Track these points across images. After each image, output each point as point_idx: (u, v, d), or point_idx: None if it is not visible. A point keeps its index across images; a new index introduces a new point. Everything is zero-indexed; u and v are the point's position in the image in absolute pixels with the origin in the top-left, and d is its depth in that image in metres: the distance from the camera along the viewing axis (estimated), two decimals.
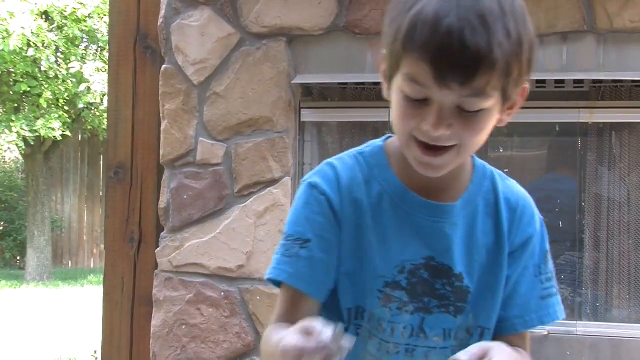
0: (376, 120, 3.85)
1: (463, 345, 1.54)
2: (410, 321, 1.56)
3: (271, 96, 3.74)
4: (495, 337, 1.62)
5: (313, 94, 3.89)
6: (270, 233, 3.71)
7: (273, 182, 3.73)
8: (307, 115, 3.84)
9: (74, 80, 12.63)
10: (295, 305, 1.57)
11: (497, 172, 1.67)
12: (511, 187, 1.66)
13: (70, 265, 15.34)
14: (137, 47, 4.07)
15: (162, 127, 3.85)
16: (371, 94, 3.86)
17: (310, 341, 1.29)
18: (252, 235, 3.73)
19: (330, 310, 1.59)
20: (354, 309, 1.57)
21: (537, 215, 1.67)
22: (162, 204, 3.84)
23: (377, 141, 1.66)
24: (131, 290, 4.09)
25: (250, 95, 3.75)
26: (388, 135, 1.66)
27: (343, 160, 1.63)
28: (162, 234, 3.84)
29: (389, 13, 1.49)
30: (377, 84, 3.82)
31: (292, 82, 3.73)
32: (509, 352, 1.46)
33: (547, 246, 1.67)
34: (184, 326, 3.76)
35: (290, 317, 1.54)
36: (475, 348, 1.40)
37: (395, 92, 1.50)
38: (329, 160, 1.64)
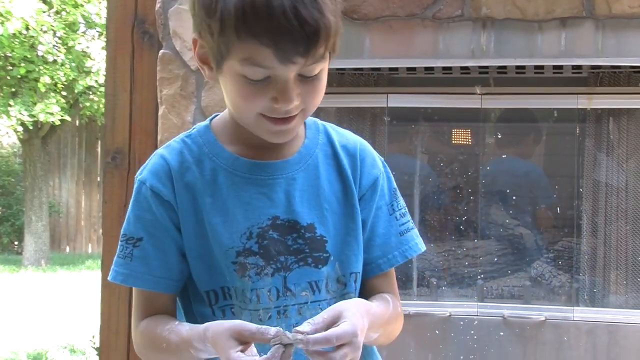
0: (374, 105, 3.85)
1: (339, 297, 1.59)
2: (273, 283, 1.57)
3: None
4: (364, 283, 1.66)
5: None
6: None
7: None
8: None
9: (73, 64, 12.60)
10: (150, 302, 1.62)
11: (329, 125, 1.71)
12: (346, 136, 1.70)
13: (68, 250, 15.35)
14: (135, 32, 4.06)
15: (159, 113, 3.84)
16: (369, 80, 3.85)
17: (264, 358, 1.36)
18: None
19: (193, 297, 1.62)
20: (219, 290, 1.58)
21: (378, 158, 1.71)
22: None
23: (203, 122, 1.69)
24: None
25: None
26: (214, 115, 1.69)
27: (171, 147, 1.65)
28: None
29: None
30: (376, 69, 3.84)
31: None
32: (364, 309, 1.49)
33: (394, 184, 1.71)
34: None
35: (150, 313, 1.61)
36: (324, 314, 1.42)
37: (231, 76, 1.50)
38: (157, 150, 1.66)
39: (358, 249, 1.63)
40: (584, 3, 3.49)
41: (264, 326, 1.40)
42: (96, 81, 12.69)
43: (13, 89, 12.68)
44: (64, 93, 13.00)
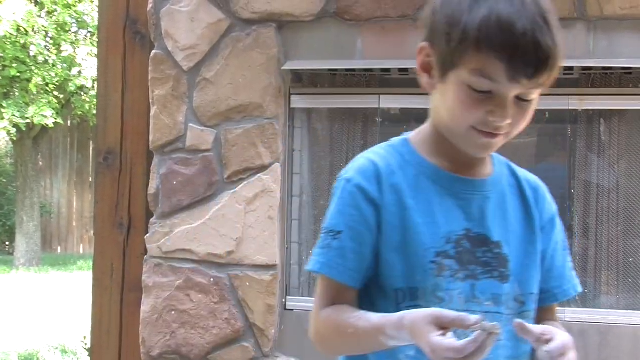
0: (366, 107, 3.84)
1: (517, 314, 1.70)
2: (463, 288, 1.66)
3: (261, 82, 3.73)
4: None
5: (303, 81, 3.88)
6: (260, 219, 3.71)
7: (263, 168, 3.73)
8: (297, 102, 3.84)
9: (64, 65, 12.57)
10: (337, 293, 1.69)
11: (510, 162, 1.84)
12: (526, 172, 1.84)
13: (59, 250, 15.32)
14: (127, 32, 4.06)
15: (151, 113, 3.84)
16: (361, 81, 3.85)
17: (468, 343, 1.43)
18: (242, 222, 3.72)
19: (377, 296, 1.69)
20: (407, 290, 1.66)
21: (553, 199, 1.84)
22: (151, 190, 3.83)
23: (400, 137, 1.79)
24: (121, 276, 4.09)
25: (240, 81, 3.74)
26: (408, 132, 1.80)
27: (376, 151, 1.75)
28: (151, 220, 3.83)
29: (442, 9, 1.62)
30: (368, 70, 3.83)
31: (282, 68, 3.72)
32: (567, 335, 1.57)
33: None
34: (173, 312, 3.76)
35: (335, 303, 1.68)
36: (538, 326, 1.54)
37: (455, 85, 1.61)
38: (363, 154, 1.75)
39: (536, 272, 1.74)
40: (575, 4, 3.49)
41: (463, 313, 1.48)
42: (87, 80, 12.66)
43: (5, 90, 12.65)
44: (55, 93, 12.97)
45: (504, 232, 1.72)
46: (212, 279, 3.74)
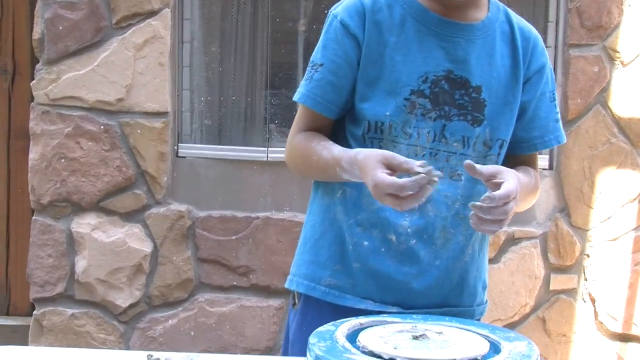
0: None
1: (482, 157, 1.78)
2: (433, 127, 1.76)
3: None
4: (514, 158, 1.87)
5: None
6: (150, 66, 3.65)
7: (152, 14, 3.65)
8: None
9: None
10: (312, 121, 1.82)
11: (509, 9, 1.89)
12: (522, 21, 1.88)
13: None
14: None
15: None
16: None
17: (410, 181, 1.52)
18: (132, 68, 3.66)
19: (349, 122, 1.82)
20: (374, 123, 1.76)
21: (546, 50, 1.89)
22: (36, 35, 3.70)
23: None
24: (6, 124, 4.01)
25: None
26: None
27: None
28: (37, 66, 3.73)
29: None
30: None
31: None
32: (519, 178, 1.65)
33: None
34: (63, 160, 3.71)
35: (305, 130, 1.82)
36: (489, 167, 1.62)
37: None
38: None
39: (510, 120, 1.81)
40: None
41: (410, 159, 1.58)
42: None
43: None
44: None
45: (487, 77, 1.78)
46: (102, 127, 3.69)
